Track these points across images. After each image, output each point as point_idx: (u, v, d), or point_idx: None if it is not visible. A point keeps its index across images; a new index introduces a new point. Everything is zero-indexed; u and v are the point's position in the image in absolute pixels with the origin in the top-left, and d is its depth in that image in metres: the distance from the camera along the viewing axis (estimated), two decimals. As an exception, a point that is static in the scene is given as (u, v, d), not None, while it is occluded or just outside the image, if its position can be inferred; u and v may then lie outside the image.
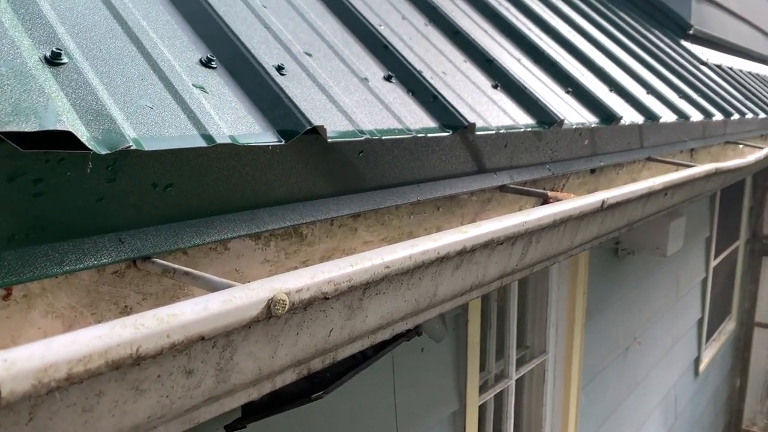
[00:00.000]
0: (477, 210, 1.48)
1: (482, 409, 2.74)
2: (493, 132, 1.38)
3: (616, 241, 3.70)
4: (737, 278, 7.14)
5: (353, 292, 0.79)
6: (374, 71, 1.30)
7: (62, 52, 0.75)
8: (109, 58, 0.82)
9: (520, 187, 1.50)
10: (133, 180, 0.76)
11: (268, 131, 0.90)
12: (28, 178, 0.66)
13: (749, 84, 4.63)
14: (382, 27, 1.51)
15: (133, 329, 0.54)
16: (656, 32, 4.26)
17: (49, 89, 0.69)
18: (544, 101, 1.63)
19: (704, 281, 5.69)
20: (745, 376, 7.80)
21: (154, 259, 0.79)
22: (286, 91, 0.96)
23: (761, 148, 3.31)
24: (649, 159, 2.29)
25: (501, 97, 1.58)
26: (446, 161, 1.32)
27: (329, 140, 0.97)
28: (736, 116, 3.27)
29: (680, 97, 2.88)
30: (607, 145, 1.97)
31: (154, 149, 0.74)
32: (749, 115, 3.52)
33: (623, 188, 1.51)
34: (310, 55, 1.18)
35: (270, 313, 0.65)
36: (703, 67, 4.16)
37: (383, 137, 1.09)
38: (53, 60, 0.73)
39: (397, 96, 1.26)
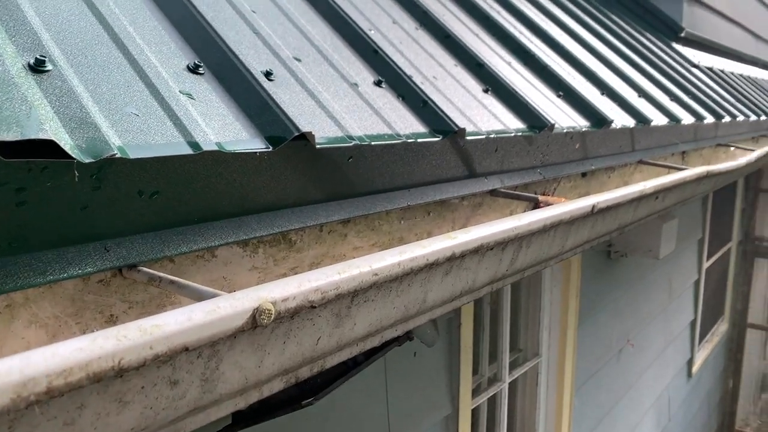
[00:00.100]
0: (468, 214, 1.48)
1: (475, 412, 2.73)
2: (484, 137, 1.38)
3: (609, 243, 3.71)
4: (730, 280, 7.17)
5: (341, 300, 0.78)
6: (364, 76, 1.29)
7: (46, 59, 0.74)
8: (94, 65, 0.81)
9: (511, 192, 1.49)
10: (118, 188, 0.75)
11: (256, 138, 0.90)
12: (11, 187, 0.66)
13: (740, 86, 4.66)
14: (373, 31, 1.50)
15: (116, 341, 0.53)
16: (648, 35, 4.27)
17: (32, 97, 0.68)
18: (534, 105, 1.63)
19: (697, 283, 5.71)
20: (738, 377, 7.83)
21: (140, 268, 0.78)
22: (274, 97, 0.95)
23: (752, 150, 3.32)
24: (641, 162, 2.30)
25: (492, 102, 1.58)
26: (437, 166, 1.32)
27: (318, 146, 0.96)
28: (727, 119, 3.29)
29: (672, 100, 2.89)
30: (599, 148, 1.97)
31: (139, 157, 0.73)
32: (740, 118, 3.54)
33: (614, 192, 1.52)
34: (299, 60, 1.17)
35: (255, 323, 0.65)
36: (695, 70, 4.18)
37: (373, 143, 1.09)
38: (37, 67, 0.72)
39: (387, 101, 1.26)
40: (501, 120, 1.51)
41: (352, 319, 0.84)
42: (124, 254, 0.77)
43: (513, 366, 3.11)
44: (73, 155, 0.65)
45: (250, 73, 0.97)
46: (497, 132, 1.44)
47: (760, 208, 7.52)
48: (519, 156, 1.58)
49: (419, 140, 1.21)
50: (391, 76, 1.34)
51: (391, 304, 0.92)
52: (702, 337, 6.24)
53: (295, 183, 0.99)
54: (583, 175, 1.93)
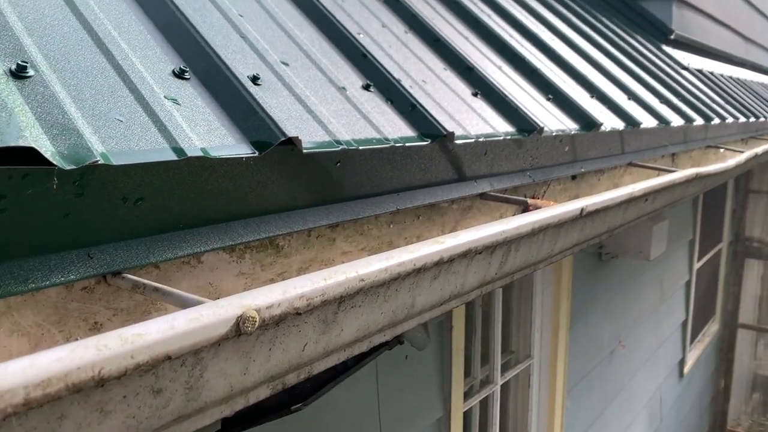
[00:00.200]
0: (458, 218, 1.47)
1: (467, 415, 2.73)
2: (473, 140, 1.38)
3: (600, 245, 3.72)
4: (720, 280, 7.21)
5: (327, 306, 0.78)
6: (352, 80, 1.29)
7: (28, 64, 0.73)
8: (77, 70, 0.81)
9: (501, 195, 1.49)
10: (101, 195, 0.75)
11: (242, 143, 0.89)
12: (-9, 194, 0.65)
13: (730, 88, 4.69)
14: (362, 35, 1.50)
15: (96, 351, 0.53)
16: (638, 37, 4.29)
17: (12, 103, 0.67)
18: (524, 109, 1.63)
19: (688, 284, 5.74)
20: (730, 377, 7.87)
21: (125, 275, 0.78)
22: (260, 101, 0.95)
23: (741, 151, 3.34)
24: (631, 164, 2.31)
25: (481, 105, 1.58)
26: (426, 170, 1.32)
27: (305, 151, 0.96)
28: (716, 121, 3.31)
29: (661, 103, 2.90)
30: (588, 151, 1.98)
31: (123, 163, 0.73)
32: (730, 120, 3.56)
33: (603, 195, 1.52)
34: (287, 64, 1.17)
35: (239, 331, 0.64)
36: (685, 72, 4.20)
37: (361, 147, 1.09)
38: (18, 73, 0.72)
39: (375, 105, 1.26)
40: (490, 123, 1.51)
41: (339, 325, 0.84)
42: (108, 261, 0.76)
43: (505, 368, 3.11)
44: (55, 162, 0.64)
45: (237, 78, 0.97)
46: (486, 135, 1.44)
47: (750, 209, 7.57)
48: (508, 159, 1.58)
49: (408, 144, 1.21)
50: (380, 80, 1.34)
51: (379, 309, 0.92)
52: (693, 337, 6.27)
53: (283, 188, 0.99)
54: (573, 177, 1.93)
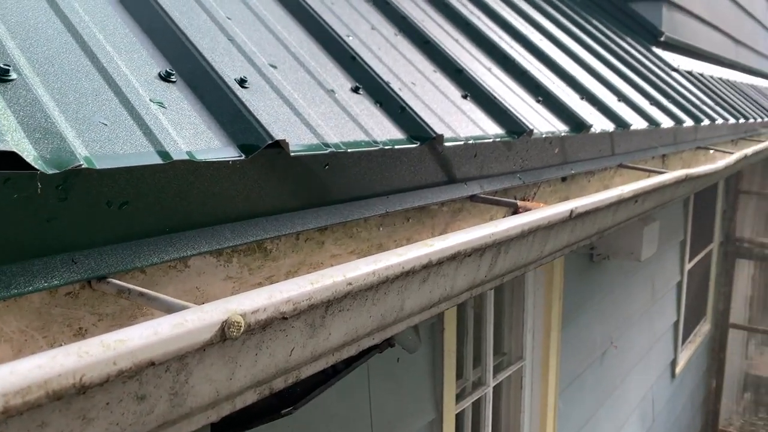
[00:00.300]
0: (448, 220, 1.47)
1: (459, 417, 2.73)
2: (462, 143, 1.38)
3: (591, 246, 3.73)
4: (712, 280, 7.25)
5: (314, 311, 0.78)
6: (341, 83, 1.29)
7: (10, 68, 0.73)
8: (61, 74, 0.80)
9: (491, 197, 1.49)
10: (86, 199, 0.74)
11: (229, 146, 0.89)
12: (-28, 199, 0.64)
13: (720, 90, 4.71)
14: (351, 38, 1.50)
15: (77, 357, 0.52)
16: (628, 39, 4.31)
17: (-6, 107, 0.66)
18: (514, 111, 1.63)
19: (679, 284, 5.76)
20: (721, 377, 7.91)
21: (110, 279, 0.77)
22: (248, 104, 0.94)
23: (731, 153, 3.36)
24: (621, 166, 2.31)
25: (471, 107, 1.58)
26: (415, 172, 1.31)
27: (293, 154, 0.96)
28: (706, 122, 3.32)
29: (651, 104, 2.92)
30: (578, 153, 1.98)
31: (106, 167, 0.72)
32: (719, 121, 3.58)
33: (592, 197, 1.52)
34: (275, 67, 1.16)
35: (225, 336, 0.64)
36: (674, 74, 4.22)
37: (349, 150, 1.08)
38: (1, 76, 0.71)
39: (364, 108, 1.26)
40: (480, 126, 1.51)
41: (326, 329, 0.83)
42: (93, 266, 0.75)
43: (497, 369, 3.11)
44: (37, 166, 0.64)
45: (223, 81, 0.96)
46: (476, 138, 1.44)
47: (741, 210, 7.62)
48: (498, 161, 1.58)
49: (397, 147, 1.20)
50: (369, 83, 1.34)
51: (367, 312, 0.91)
52: (685, 337, 6.30)
53: (270, 191, 0.98)
54: (563, 179, 1.93)
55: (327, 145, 1.03)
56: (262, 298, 0.68)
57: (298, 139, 1.00)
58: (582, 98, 2.25)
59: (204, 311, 0.63)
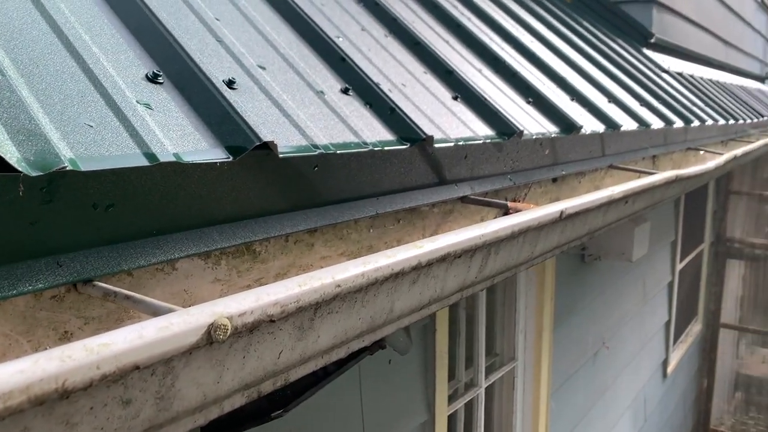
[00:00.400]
0: (438, 221, 1.47)
1: (452, 418, 2.73)
2: (452, 144, 1.38)
3: (583, 247, 3.74)
4: (702, 280, 7.29)
5: (303, 313, 0.77)
6: (331, 84, 1.28)
7: (-6, 69, 0.72)
8: (46, 75, 0.79)
9: (481, 198, 1.49)
10: (71, 201, 0.73)
11: (216, 148, 0.88)
12: (-46, 202, 0.63)
13: (709, 91, 4.74)
14: (341, 39, 1.50)
15: (59, 362, 0.52)
16: (618, 41, 4.33)
17: (-24, 109, 0.66)
18: (504, 112, 1.63)
19: (670, 284, 5.79)
20: (712, 377, 7.95)
21: (96, 282, 0.76)
22: (236, 106, 0.94)
23: (721, 153, 3.38)
24: (611, 167, 2.32)
25: (461, 109, 1.58)
26: (406, 174, 1.31)
27: (281, 155, 0.95)
28: (696, 123, 3.34)
29: (641, 105, 2.93)
30: (569, 154, 1.98)
31: (92, 169, 0.72)
32: (709, 122, 3.60)
33: (582, 198, 1.52)
34: (263, 68, 1.16)
35: (211, 339, 0.63)
36: (665, 75, 4.24)
37: (339, 151, 1.08)
38: (-16, 78, 0.70)
39: (354, 109, 1.25)
40: (470, 127, 1.51)
41: (315, 331, 0.83)
42: (79, 269, 0.75)
43: (489, 370, 3.12)
44: (20, 168, 0.63)
45: (211, 82, 0.96)
46: (466, 139, 1.44)
47: (731, 210, 7.66)
48: (489, 163, 1.58)
49: (387, 148, 1.20)
50: (359, 84, 1.33)
51: (357, 314, 0.91)
52: (676, 337, 6.33)
53: (259, 193, 0.98)
54: (554, 180, 1.94)
55: (316, 147, 1.03)
56: (249, 301, 0.68)
57: (286, 141, 0.99)
58: (572, 99, 2.25)
59: (190, 314, 0.62)
